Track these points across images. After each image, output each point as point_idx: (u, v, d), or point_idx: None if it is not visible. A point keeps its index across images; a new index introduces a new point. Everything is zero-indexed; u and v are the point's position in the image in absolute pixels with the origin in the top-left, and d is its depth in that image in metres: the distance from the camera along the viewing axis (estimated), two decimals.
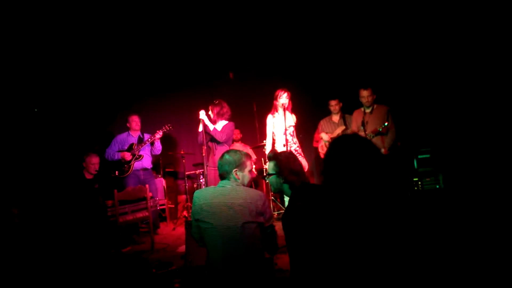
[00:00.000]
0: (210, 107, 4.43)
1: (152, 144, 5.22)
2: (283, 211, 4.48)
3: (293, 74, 6.32)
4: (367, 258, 1.35)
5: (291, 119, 4.48)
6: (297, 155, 4.18)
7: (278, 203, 5.48)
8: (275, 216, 5.16)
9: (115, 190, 4.22)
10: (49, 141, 5.51)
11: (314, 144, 5.39)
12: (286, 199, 4.30)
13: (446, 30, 5.56)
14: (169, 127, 5.14)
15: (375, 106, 4.63)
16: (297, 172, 2.21)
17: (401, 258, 1.37)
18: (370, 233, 1.38)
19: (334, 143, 1.61)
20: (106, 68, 6.14)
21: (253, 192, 2.21)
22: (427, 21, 5.64)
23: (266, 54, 6.48)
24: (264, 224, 2.19)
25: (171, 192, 6.41)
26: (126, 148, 5.18)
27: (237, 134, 6.05)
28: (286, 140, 4.26)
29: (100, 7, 5.60)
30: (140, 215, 4.51)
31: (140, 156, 5.14)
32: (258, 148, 5.86)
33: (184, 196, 6.26)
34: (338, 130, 4.96)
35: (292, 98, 4.43)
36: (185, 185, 5.83)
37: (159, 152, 5.36)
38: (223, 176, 2.28)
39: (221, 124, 4.38)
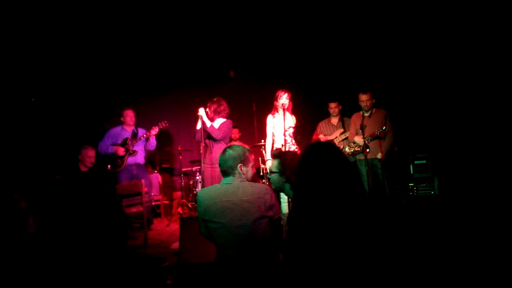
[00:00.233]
0: (208, 104, 4.42)
1: (147, 140, 5.20)
2: None
3: (294, 75, 6.33)
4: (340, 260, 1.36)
5: (291, 120, 4.48)
6: None
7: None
8: None
9: (116, 186, 4.26)
10: (45, 132, 5.50)
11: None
12: (283, 198, 4.31)
13: (443, 39, 5.59)
14: (165, 123, 5.12)
15: (373, 110, 4.65)
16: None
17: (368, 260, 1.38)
18: (337, 236, 1.39)
19: (306, 150, 1.62)
20: (105, 63, 6.13)
21: (259, 186, 2.16)
22: (425, 29, 5.68)
23: (267, 55, 6.48)
24: (273, 217, 2.16)
25: (166, 188, 6.39)
26: (120, 142, 5.15)
27: (236, 133, 6.04)
28: (285, 141, 4.26)
29: (100, 3, 5.57)
30: (134, 210, 4.50)
31: (134, 151, 5.12)
32: (256, 147, 5.85)
33: (179, 193, 6.25)
34: (337, 133, 4.97)
35: (292, 99, 4.43)
36: (181, 182, 5.82)
37: (154, 148, 5.34)
38: (227, 172, 2.20)
39: (219, 122, 4.37)
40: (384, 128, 4.40)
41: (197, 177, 5.59)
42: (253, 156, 2.35)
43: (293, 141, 4.47)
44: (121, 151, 5.05)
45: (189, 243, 3.25)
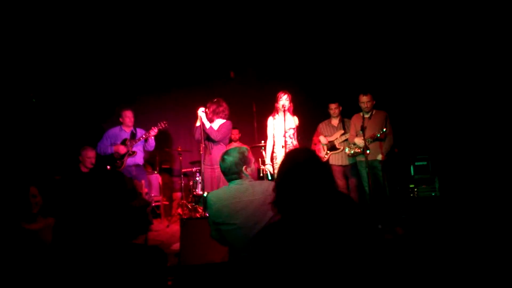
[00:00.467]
0: (208, 104, 4.41)
1: (146, 140, 5.20)
2: None
3: (295, 75, 6.34)
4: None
5: (292, 121, 4.47)
6: None
7: None
8: None
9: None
10: (45, 132, 5.49)
11: (312, 147, 5.39)
12: None
13: (444, 40, 5.60)
14: (164, 124, 5.12)
15: (374, 111, 4.65)
16: None
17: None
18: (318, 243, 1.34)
19: (286, 156, 1.60)
20: (104, 63, 6.12)
21: (267, 184, 2.16)
22: (426, 30, 5.68)
23: (268, 55, 6.49)
24: None
25: (166, 189, 6.38)
26: (119, 143, 5.15)
27: (236, 134, 6.04)
28: (285, 142, 4.26)
29: (99, 3, 5.57)
30: None
31: (133, 152, 5.12)
32: (256, 148, 5.85)
33: (179, 194, 6.23)
34: (337, 134, 4.97)
35: (292, 100, 4.43)
36: (181, 183, 5.81)
37: (152, 149, 5.34)
38: (233, 177, 2.19)
39: (218, 122, 4.36)
40: (384, 129, 4.39)
41: (197, 178, 5.58)
42: (250, 153, 2.34)
43: (294, 142, 4.47)
44: (122, 149, 5.05)
45: (189, 244, 3.24)
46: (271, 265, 1.33)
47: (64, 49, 5.73)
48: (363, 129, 4.32)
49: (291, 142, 4.41)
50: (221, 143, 4.33)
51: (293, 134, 4.47)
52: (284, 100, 4.37)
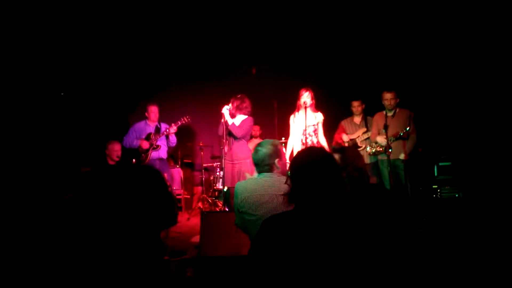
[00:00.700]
0: (231, 100, 4.46)
1: (167, 137, 5.32)
2: None
3: (317, 73, 6.29)
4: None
5: (313, 117, 4.45)
6: None
7: None
8: None
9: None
10: (72, 125, 5.68)
11: (334, 144, 5.36)
12: None
13: (473, 42, 5.40)
14: (187, 119, 5.20)
15: (397, 109, 4.57)
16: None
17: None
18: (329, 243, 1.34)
19: (296, 155, 1.60)
20: (129, 58, 6.25)
21: None
22: (453, 28, 5.49)
23: (290, 52, 6.46)
24: None
25: (187, 183, 6.51)
26: (143, 137, 5.28)
27: (257, 130, 6.07)
28: (306, 138, 4.27)
29: None
30: None
31: (157, 146, 5.24)
32: None
33: (200, 188, 6.34)
34: (359, 132, 4.93)
35: (315, 97, 4.42)
36: (202, 177, 5.91)
37: (174, 145, 5.47)
38: (264, 169, 2.21)
39: (240, 118, 4.40)
40: (407, 128, 4.31)
41: (218, 173, 5.67)
42: (282, 146, 2.35)
43: (315, 139, 4.44)
44: (145, 144, 5.19)
45: (209, 237, 3.32)
46: (280, 252, 1.35)
47: (91, 45, 5.89)
48: (385, 127, 4.26)
49: (311, 140, 4.40)
50: (243, 139, 4.37)
51: (314, 131, 4.45)
52: (305, 97, 4.36)
